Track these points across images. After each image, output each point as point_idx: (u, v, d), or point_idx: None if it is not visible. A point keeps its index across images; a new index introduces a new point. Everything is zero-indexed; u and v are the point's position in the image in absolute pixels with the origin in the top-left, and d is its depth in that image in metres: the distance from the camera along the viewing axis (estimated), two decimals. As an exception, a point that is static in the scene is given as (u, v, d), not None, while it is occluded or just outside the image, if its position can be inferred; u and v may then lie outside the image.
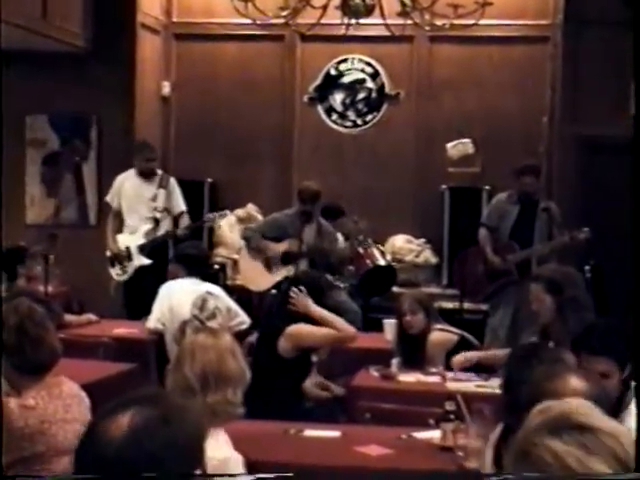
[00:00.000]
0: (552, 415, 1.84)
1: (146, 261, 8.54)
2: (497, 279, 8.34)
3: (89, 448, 1.91)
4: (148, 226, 8.64)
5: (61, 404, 3.80)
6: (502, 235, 8.38)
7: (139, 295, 8.20)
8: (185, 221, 8.78)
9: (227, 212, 8.99)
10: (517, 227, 8.33)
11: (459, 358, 5.83)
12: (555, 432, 1.80)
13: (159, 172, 8.89)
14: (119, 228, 8.79)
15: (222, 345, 3.66)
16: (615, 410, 3.97)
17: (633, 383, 4.02)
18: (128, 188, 8.80)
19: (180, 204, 8.82)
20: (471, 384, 5.54)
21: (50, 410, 3.75)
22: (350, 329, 5.89)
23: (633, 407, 3.93)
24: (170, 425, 1.92)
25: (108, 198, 8.93)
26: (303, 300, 5.85)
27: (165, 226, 8.73)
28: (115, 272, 8.72)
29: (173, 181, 8.88)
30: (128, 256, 8.61)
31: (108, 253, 8.73)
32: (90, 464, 1.88)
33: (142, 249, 8.57)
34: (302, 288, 5.88)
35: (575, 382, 2.63)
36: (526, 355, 3.63)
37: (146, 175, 8.76)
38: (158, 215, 8.67)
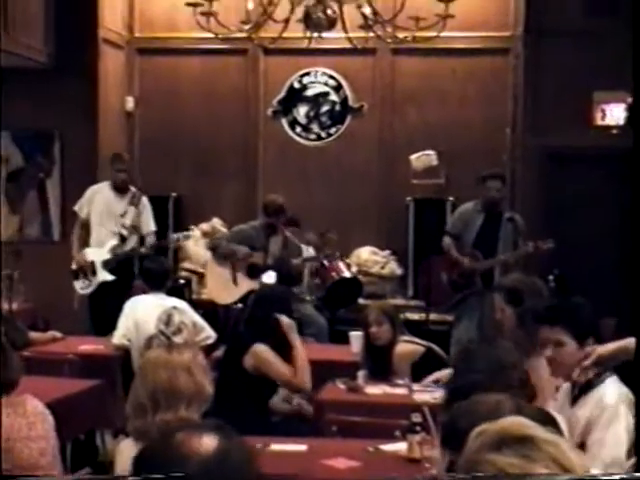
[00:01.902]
0: (490, 434, 1.87)
1: (109, 277, 8.49)
2: (461, 289, 8.37)
3: (162, 457, 1.90)
4: (114, 242, 8.59)
5: (25, 422, 3.79)
6: (466, 244, 8.40)
7: (104, 311, 8.17)
8: (151, 239, 8.76)
9: (191, 233, 8.95)
10: (481, 236, 8.36)
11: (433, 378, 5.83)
12: (495, 448, 1.82)
13: (132, 189, 8.82)
14: (85, 239, 8.73)
15: (175, 362, 3.60)
16: (582, 388, 4.16)
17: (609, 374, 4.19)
18: (99, 200, 8.73)
19: (149, 224, 8.77)
20: (437, 395, 5.54)
21: (14, 428, 3.73)
22: (306, 384, 5.75)
23: (603, 390, 4.14)
24: (247, 457, 1.94)
25: (76, 207, 8.82)
26: (289, 327, 5.81)
27: (132, 243, 8.68)
28: (79, 285, 8.66)
29: (145, 200, 8.81)
30: (92, 270, 8.56)
31: (73, 265, 8.68)
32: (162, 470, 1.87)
33: (106, 264, 8.52)
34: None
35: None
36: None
37: (119, 189, 8.71)
38: (125, 232, 8.63)
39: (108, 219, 8.66)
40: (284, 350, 5.80)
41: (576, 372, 4.23)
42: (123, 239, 8.62)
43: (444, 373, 5.82)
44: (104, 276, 8.52)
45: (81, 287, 8.65)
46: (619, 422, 4.04)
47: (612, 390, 4.16)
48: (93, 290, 8.59)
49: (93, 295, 8.61)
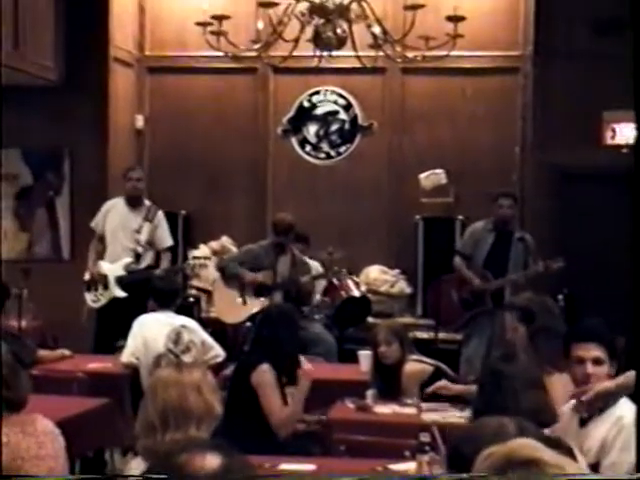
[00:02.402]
0: (497, 456, 1.86)
1: (121, 293, 8.49)
2: (471, 308, 8.36)
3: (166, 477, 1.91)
4: (129, 259, 8.59)
5: (34, 441, 3.78)
6: (476, 263, 8.41)
7: (111, 327, 8.18)
8: (167, 256, 8.75)
9: (208, 262, 8.94)
10: (492, 256, 8.36)
11: (439, 383, 5.81)
12: (500, 472, 1.81)
13: (147, 203, 8.83)
14: (102, 254, 8.73)
15: (185, 381, 3.59)
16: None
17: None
18: (114, 215, 8.74)
19: (165, 239, 8.78)
20: (446, 415, 5.52)
21: (23, 447, 3.72)
22: (283, 429, 5.62)
23: (619, 410, 4.14)
24: (250, 476, 1.97)
25: (92, 223, 8.84)
26: (303, 373, 5.77)
27: (147, 259, 8.68)
28: (90, 297, 8.65)
29: (160, 214, 8.81)
30: (104, 284, 8.56)
31: (86, 276, 8.66)
32: None
33: (120, 281, 8.52)
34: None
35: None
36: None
37: (133, 204, 8.72)
38: (140, 249, 8.62)
39: (123, 234, 8.66)
40: (288, 372, 5.78)
41: (577, 406, 4.20)
42: (138, 256, 8.62)
43: (443, 383, 5.80)
44: (116, 292, 8.52)
45: (92, 300, 8.65)
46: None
47: (629, 410, 4.13)
48: (103, 304, 8.59)
49: (102, 310, 8.61)
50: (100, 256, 8.71)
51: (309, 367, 5.80)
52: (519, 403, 3.62)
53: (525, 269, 8.17)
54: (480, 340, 8.24)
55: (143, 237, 8.64)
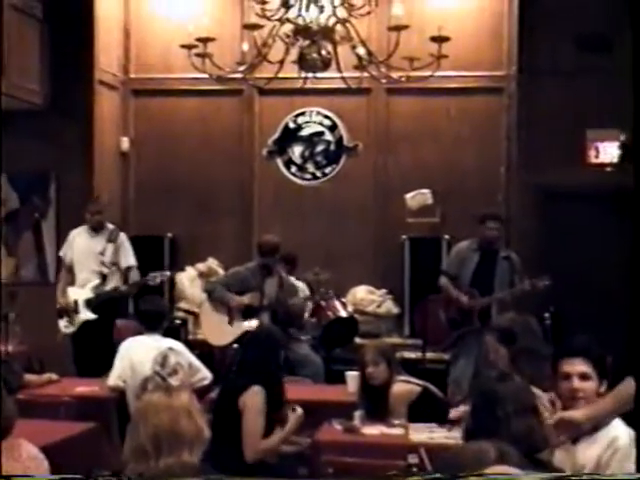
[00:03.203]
0: None
1: (91, 315, 8.54)
2: (459, 327, 8.36)
3: None
4: (95, 281, 8.64)
5: (20, 467, 3.77)
6: (462, 282, 8.41)
7: (87, 350, 8.24)
8: (134, 276, 8.79)
9: (167, 272, 8.99)
10: (477, 274, 8.37)
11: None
12: None
13: (109, 226, 8.90)
14: (71, 282, 8.79)
15: (176, 405, 3.57)
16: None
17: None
18: (79, 243, 8.84)
19: (128, 259, 8.82)
20: (434, 435, 5.52)
21: (8, 472, 3.71)
22: (252, 456, 5.59)
23: (613, 431, 4.09)
24: None
25: (61, 252, 8.98)
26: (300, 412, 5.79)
27: (114, 281, 8.72)
28: (63, 324, 8.71)
29: (123, 236, 8.90)
30: (75, 309, 8.60)
31: (57, 305, 8.71)
32: None
33: (89, 303, 8.56)
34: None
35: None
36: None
37: (96, 229, 8.80)
38: (105, 270, 8.67)
39: (88, 259, 8.75)
40: (275, 396, 5.77)
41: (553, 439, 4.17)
42: (104, 277, 8.66)
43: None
44: (86, 315, 8.55)
45: (65, 326, 8.70)
46: (630, 462, 3.99)
47: (624, 432, 4.10)
48: (76, 329, 8.62)
49: (76, 335, 8.63)
50: (70, 285, 8.78)
51: (300, 411, 5.77)
52: (512, 426, 3.61)
53: (511, 287, 8.19)
54: (468, 360, 8.23)
55: (107, 258, 8.71)
